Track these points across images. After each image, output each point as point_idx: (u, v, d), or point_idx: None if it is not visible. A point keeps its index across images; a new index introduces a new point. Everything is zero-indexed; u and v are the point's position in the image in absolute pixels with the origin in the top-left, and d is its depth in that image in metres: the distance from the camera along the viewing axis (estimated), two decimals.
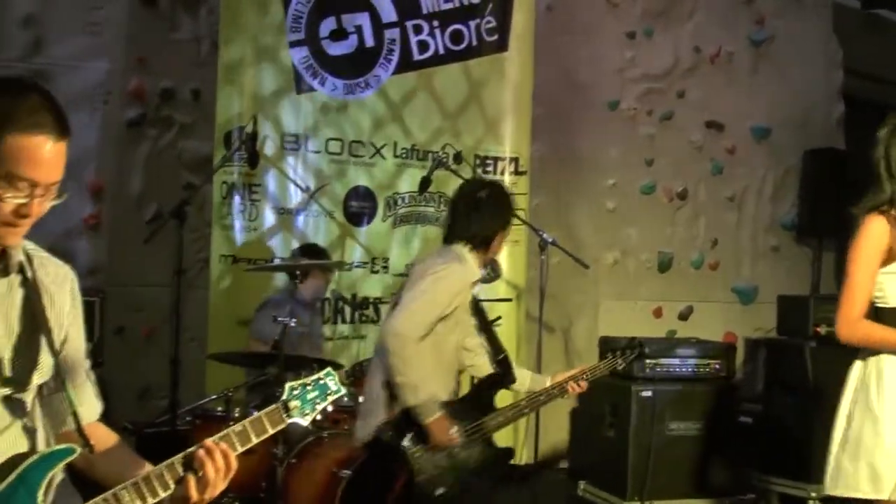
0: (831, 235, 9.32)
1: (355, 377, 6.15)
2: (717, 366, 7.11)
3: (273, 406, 2.78)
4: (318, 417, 2.90)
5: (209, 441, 2.62)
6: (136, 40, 7.61)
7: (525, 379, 5.17)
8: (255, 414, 2.76)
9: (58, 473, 2.59)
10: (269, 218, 7.05)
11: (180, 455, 2.59)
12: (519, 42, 7.66)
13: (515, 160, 7.64)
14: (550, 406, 7.43)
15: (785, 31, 9.66)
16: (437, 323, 4.70)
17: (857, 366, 4.06)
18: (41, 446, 2.65)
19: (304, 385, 2.87)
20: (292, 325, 5.51)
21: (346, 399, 6.15)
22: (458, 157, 7.44)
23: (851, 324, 3.94)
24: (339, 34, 7.26)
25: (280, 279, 6.91)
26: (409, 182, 7.36)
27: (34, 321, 2.62)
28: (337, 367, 6.06)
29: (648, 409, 6.83)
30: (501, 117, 7.64)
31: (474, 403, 4.88)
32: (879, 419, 3.93)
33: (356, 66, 7.32)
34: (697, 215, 9.15)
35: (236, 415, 5.44)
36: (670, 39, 9.09)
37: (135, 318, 7.46)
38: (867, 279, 3.94)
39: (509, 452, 5.11)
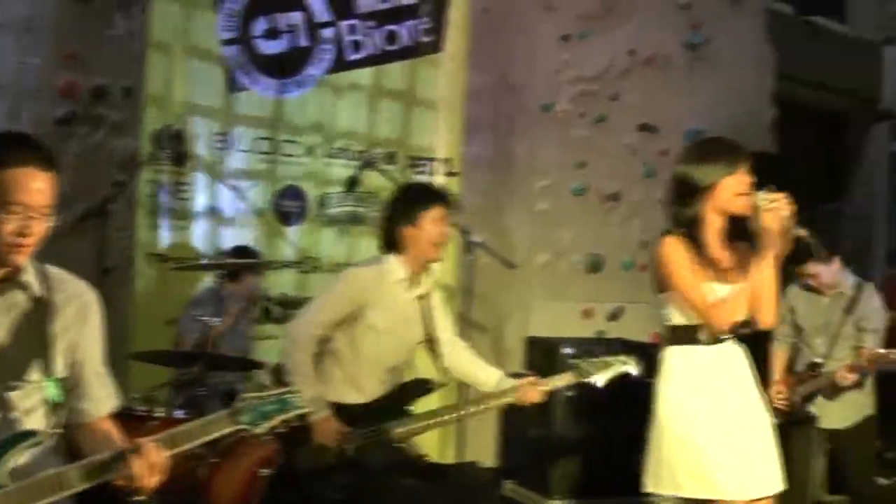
0: None
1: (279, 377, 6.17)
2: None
3: (222, 412, 3.05)
4: (282, 430, 3.14)
5: (141, 439, 2.94)
6: (68, 36, 7.55)
7: (492, 378, 5.17)
8: (205, 418, 3.06)
9: (28, 452, 3.03)
10: (198, 217, 7.05)
11: (118, 449, 2.96)
12: (454, 43, 7.71)
13: (448, 161, 7.67)
14: None
15: (720, 35, 9.73)
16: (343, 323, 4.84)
17: (664, 361, 4.20)
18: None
19: (262, 397, 3.07)
20: (216, 324, 5.54)
21: None
22: (390, 158, 7.48)
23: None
24: (272, 33, 7.27)
25: (210, 278, 6.91)
26: (340, 182, 7.36)
27: (33, 330, 3.11)
28: (258, 366, 6.09)
29: (573, 408, 6.88)
30: (434, 118, 7.68)
31: (388, 406, 4.91)
32: (667, 413, 4.08)
33: (289, 65, 7.33)
34: (630, 217, 9.19)
35: (160, 414, 5.43)
36: (605, 42, 9.13)
37: None
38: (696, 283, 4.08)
39: (422, 459, 5.19)
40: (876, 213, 12.60)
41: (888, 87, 12.88)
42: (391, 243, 4.96)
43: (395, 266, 4.92)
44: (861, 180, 13.50)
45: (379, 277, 4.89)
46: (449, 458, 7.32)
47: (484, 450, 8.13)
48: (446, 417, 5.06)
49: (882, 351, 5.79)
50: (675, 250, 4.08)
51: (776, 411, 5.87)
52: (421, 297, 5.07)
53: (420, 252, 4.93)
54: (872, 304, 6.01)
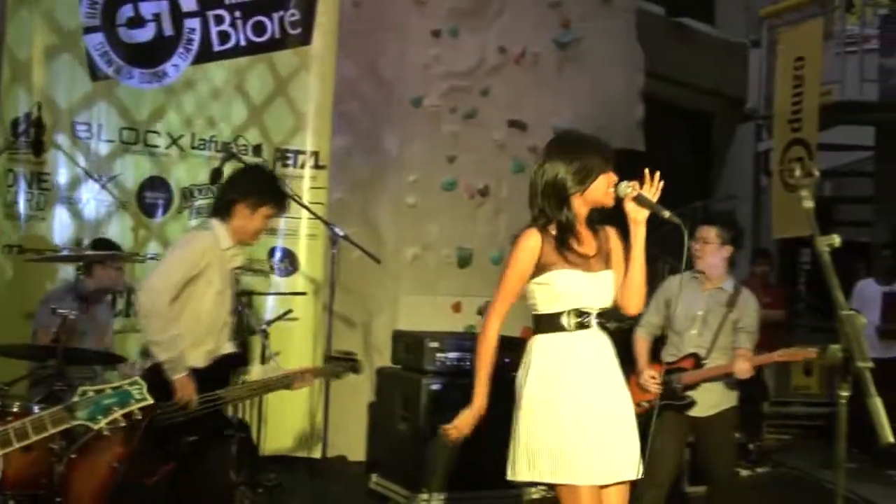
0: None
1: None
2: (508, 360, 7.16)
3: (58, 408, 2.95)
4: (122, 424, 3.04)
5: None
6: None
7: (259, 372, 5.41)
8: (38, 413, 2.95)
9: None
10: (58, 208, 6.89)
11: None
12: (323, 36, 7.68)
13: (316, 154, 7.64)
14: (348, 399, 7.51)
15: (590, 34, 9.84)
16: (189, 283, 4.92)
17: (530, 349, 4.27)
18: None
19: (100, 391, 2.99)
20: (72, 317, 5.43)
21: None
22: (257, 150, 7.43)
23: (500, 319, 4.24)
24: (136, 21, 7.15)
25: (69, 271, 6.77)
26: (206, 174, 7.25)
27: None
28: (119, 359, 5.99)
29: (438, 402, 6.88)
30: (303, 111, 7.64)
31: (211, 376, 4.98)
32: (529, 399, 4.17)
33: (154, 54, 7.24)
34: (498, 212, 9.24)
35: (14, 410, 5.29)
36: (476, 38, 9.17)
37: None
38: (517, 285, 4.16)
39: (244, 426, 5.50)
40: (740, 211, 12.85)
41: (754, 88, 13.17)
42: (222, 210, 5.08)
43: (222, 232, 5.06)
44: (727, 179, 13.80)
45: (215, 242, 5.04)
46: (316, 452, 7.31)
47: (352, 443, 8.12)
48: (257, 389, 5.38)
49: (796, 349, 5.89)
50: (524, 247, 4.12)
51: (650, 395, 5.95)
52: (235, 269, 5.25)
53: (241, 230, 5.09)
54: (750, 305, 6.07)
